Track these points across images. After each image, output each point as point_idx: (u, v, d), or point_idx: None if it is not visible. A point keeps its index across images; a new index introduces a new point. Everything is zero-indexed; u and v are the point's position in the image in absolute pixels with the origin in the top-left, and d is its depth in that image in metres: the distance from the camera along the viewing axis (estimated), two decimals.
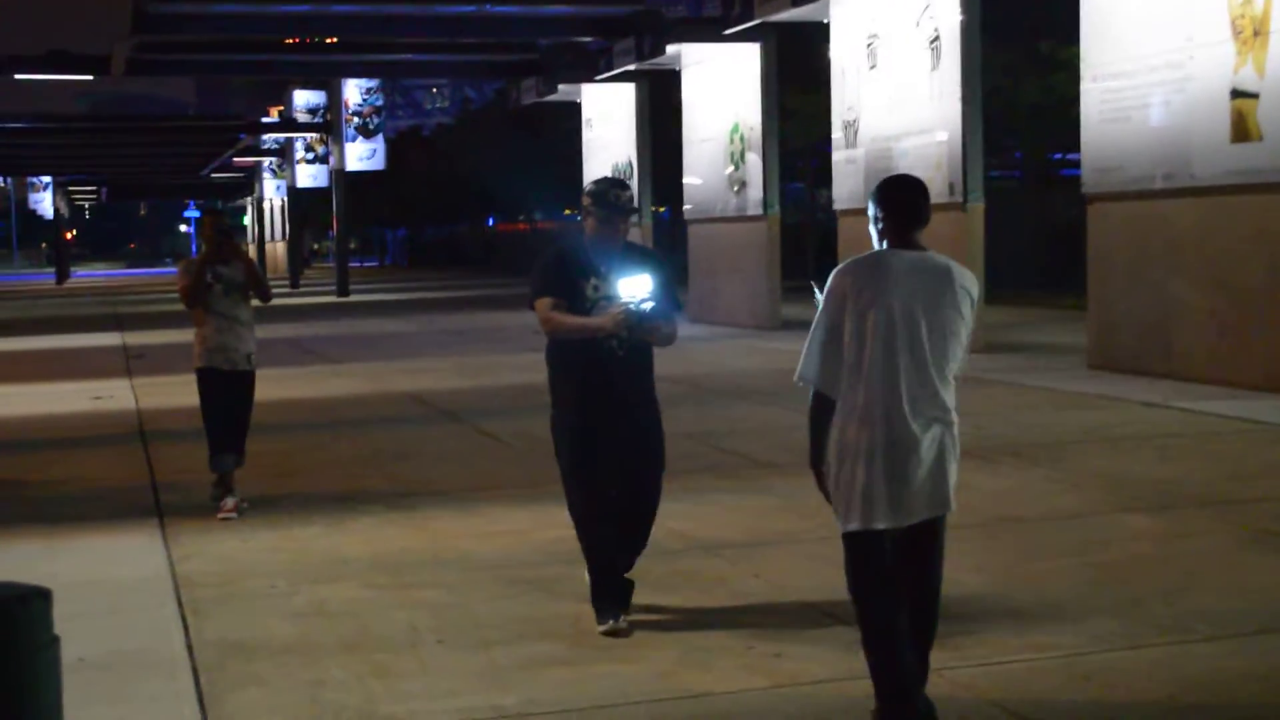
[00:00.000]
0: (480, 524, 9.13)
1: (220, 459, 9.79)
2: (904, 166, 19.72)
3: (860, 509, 4.98)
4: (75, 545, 8.98)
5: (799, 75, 30.20)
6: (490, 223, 77.68)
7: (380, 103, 46.55)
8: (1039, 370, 16.61)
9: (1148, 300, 15.78)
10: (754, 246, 24.84)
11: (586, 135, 32.30)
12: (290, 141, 53.91)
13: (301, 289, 51.14)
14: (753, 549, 8.25)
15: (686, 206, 27.81)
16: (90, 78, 33.90)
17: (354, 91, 45.29)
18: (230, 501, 9.72)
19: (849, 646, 5.64)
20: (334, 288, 44.51)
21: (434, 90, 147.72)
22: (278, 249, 69.99)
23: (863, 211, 21.22)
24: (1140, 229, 15.99)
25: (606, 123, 31.05)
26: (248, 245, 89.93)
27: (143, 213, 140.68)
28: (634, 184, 29.29)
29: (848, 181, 21.45)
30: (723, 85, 25.89)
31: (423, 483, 10.79)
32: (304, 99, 51.23)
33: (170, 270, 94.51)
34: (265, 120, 57.47)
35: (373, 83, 45.39)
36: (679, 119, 27.74)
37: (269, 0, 26.66)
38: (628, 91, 29.47)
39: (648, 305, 6.49)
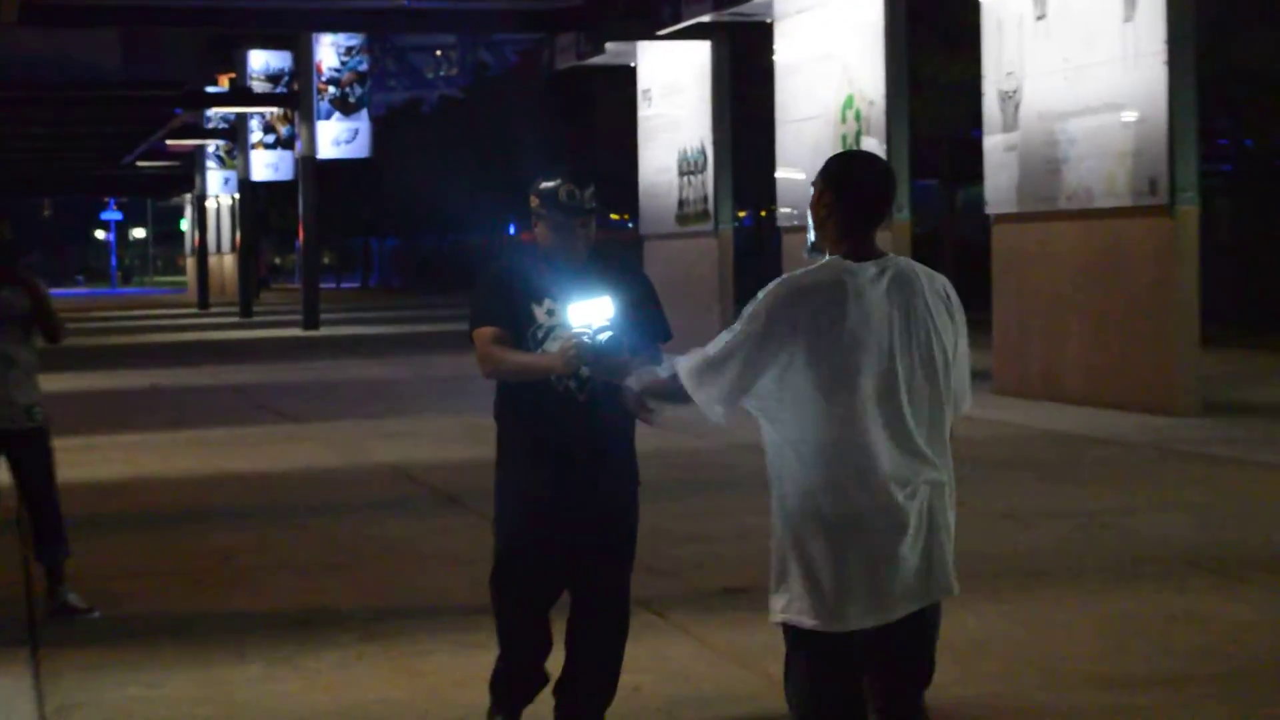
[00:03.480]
0: (488, 661, 8.54)
1: (42, 549, 9.90)
2: (1075, 155, 19.12)
3: (828, 603, 5.03)
4: None
5: (935, 33, 29.71)
6: (511, 230, 77.73)
7: (364, 68, 46.44)
8: None
9: None
10: None
11: (644, 112, 31.98)
12: (243, 119, 53.94)
13: (255, 318, 51.12)
14: None
15: (781, 210, 27.29)
16: None
17: (329, 53, 45.23)
18: (73, 597, 9.85)
19: None
20: (299, 317, 44.37)
21: (438, 53, 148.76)
22: (225, 263, 70.20)
23: (1024, 217, 20.84)
24: None
25: (671, 96, 30.69)
26: (186, 257, 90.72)
27: (47, 213, 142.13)
28: (708, 178, 28.81)
29: (1004, 175, 20.86)
30: (832, 43, 25.31)
31: (409, 598, 10.38)
32: (262, 62, 51.33)
33: (84, 292, 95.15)
34: (210, 90, 57.34)
35: (354, 40, 45.29)
36: (771, 91, 27.23)
37: None
38: (701, 52, 29.07)
39: (604, 336, 6.34)
